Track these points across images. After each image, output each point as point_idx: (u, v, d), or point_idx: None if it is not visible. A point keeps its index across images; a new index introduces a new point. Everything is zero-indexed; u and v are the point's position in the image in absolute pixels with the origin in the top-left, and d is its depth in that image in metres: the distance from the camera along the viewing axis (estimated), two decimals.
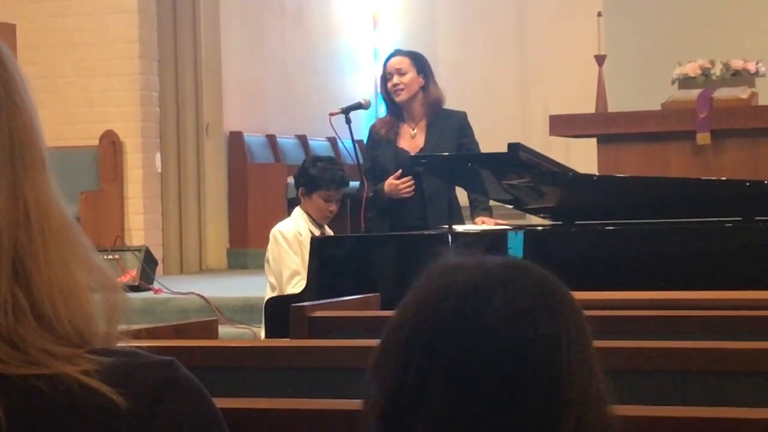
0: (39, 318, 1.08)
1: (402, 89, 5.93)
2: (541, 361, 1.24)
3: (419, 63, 6.00)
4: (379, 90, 13.08)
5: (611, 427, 1.29)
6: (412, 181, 5.85)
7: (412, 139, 5.97)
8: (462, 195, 5.99)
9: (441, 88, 6.04)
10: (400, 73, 5.95)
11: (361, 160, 6.10)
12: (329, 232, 5.99)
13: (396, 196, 5.87)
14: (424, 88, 5.96)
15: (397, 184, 5.87)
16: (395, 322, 1.31)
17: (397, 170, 5.89)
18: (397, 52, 6.12)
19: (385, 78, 6.03)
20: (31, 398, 1.05)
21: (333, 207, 5.89)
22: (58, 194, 1.15)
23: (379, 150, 6.00)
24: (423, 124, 5.97)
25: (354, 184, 6.53)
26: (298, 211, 5.95)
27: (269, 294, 5.74)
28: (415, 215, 5.86)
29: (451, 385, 1.23)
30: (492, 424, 1.23)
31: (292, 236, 5.78)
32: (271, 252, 5.83)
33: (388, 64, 6.02)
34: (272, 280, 5.83)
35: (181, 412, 1.11)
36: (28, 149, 1.13)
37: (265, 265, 5.90)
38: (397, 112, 6.01)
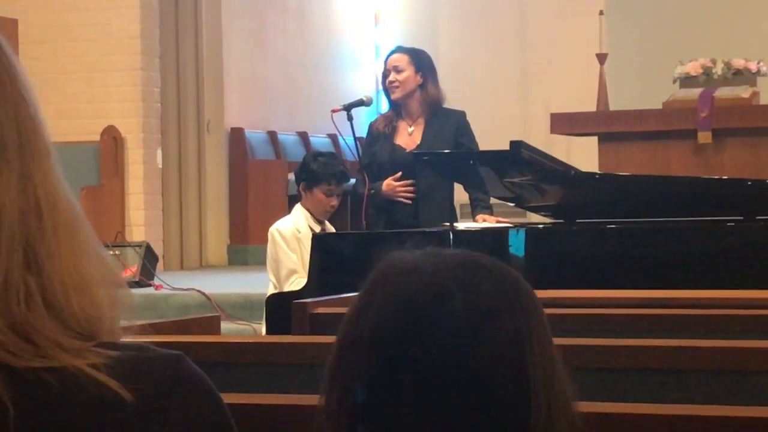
0: (50, 307, 1.08)
1: (397, 86, 5.94)
2: (508, 360, 1.23)
3: (418, 61, 5.99)
4: (380, 87, 13.14)
5: (576, 423, 1.29)
6: (411, 187, 5.85)
7: (409, 136, 5.97)
8: (461, 193, 5.98)
9: (442, 88, 6.04)
10: (397, 70, 5.96)
11: (362, 162, 6.10)
12: (330, 228, 5.99)
13: (392, 198, 5.87)
14: (422, 87, 5.95)
15: (394, 186, 5.87)
16: (351, 331, 1.28)
17: (393, 166, 5.89)
18: (398, 49, 6.13)
19: (383, 74, 6.05)
20: (39, 391, 1.05)
21: (334, 202, 5.89)
22: (65, 185, 1.15)
23: (377, 146, 6.01)
24: (421, 121, 5.97)
25: (352, 180, 6.53)
26: (298, 208, 5.95)
27: (271, 292, 5.74)
28: (409, 213, 5.87)
29: (421, 395, 1.22)
30: (466, 419, 1.22)
31: (290, 234, 5.78)
32: (269, 250, 5.84)
33: (388, 60, 6.04)
34: (273, 278, 5.84)
35: (189, 407, 1.11)
36: (35, 139, 1.13)
37: (267, 263, 5.91)
38: (396, 108, 6.03)
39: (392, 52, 6.11)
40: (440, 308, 1.23)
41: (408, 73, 5.93)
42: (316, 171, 5.85)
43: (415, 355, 1.22)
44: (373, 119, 6.34)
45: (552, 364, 1.27)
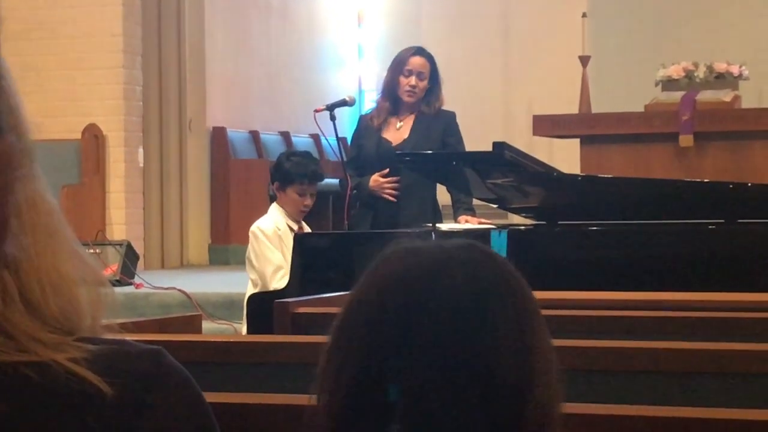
0: (27, 303, 1.07)
1: (416, 93, 5.89)
2: (509, 339, 1.27)
3: (435, 69, 5.96)
4: (362, 86, 13.14)
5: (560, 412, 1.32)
6: (397, 183, 5.86)
7: (397, 131, 5.96)
8: (443, 193, 5.99)
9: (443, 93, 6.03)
10: (422, 77, 5.89)
11: (345, 157, 6.10)
12: (306, 227, 5.99)
13: (378, 194, 5.88)
14: (429, 91, 5.93)
15: (381, 182, 5.87)
16: (351, 312, 1.32)
17: (379, 160, 5.89)
18: (422, 53, 5.97)
19: (399, 70, 5.91)
20: (20, 386, 1.05)
21: (307, 201, 5.88)
22: (45, 184, 1.14)
23: (364, 139, 6.00)
24: (411, 117, 5.96)
25: (335, 180, 6.53)
26: (275, 207, 5.95)
27: (250, 291, 5.73)
28: (392, 209, 5.87)
29: (426, 365, 1.25)
30: (467, 398, 1.25)
31: (272, 232, 5.78)
32: (252, 250, 5.82)
33: (412, 61, 5.91)
34: (254, 276, 5.83)
35: (169, 401, 1.11)
36: (17, 137, 1.12)
37: (246, 263, 5.90)
38: (394, 103, 5.96)
39: (416, 54, 5.96)
40: (439, 283, 1.28)
41: (426, 81, 5.91)
42: (288, 170, 5.85)
43: (416, 329, 1.26)
44: (364, 112, 6.30)
45: (552, 357, 1.31)
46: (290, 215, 5.86)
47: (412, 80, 5.89)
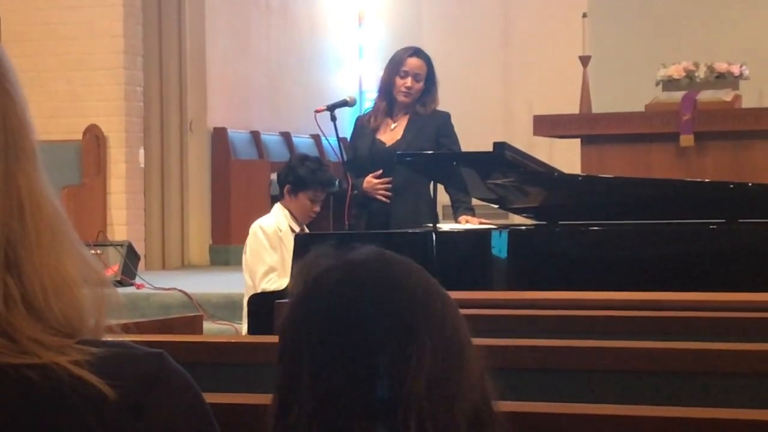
0: (29, 307, 1.07)
1: (412, 94, 5.87)
2: (392, 337, 1.34)
3: (431, 71, 5.94)
4: (363, 86, 13.14)
5: (495, 421, 1.37)
6: (390, 184, 5.86)
7: (391, 131, 5.96)
8: (442, 194, 5.97)
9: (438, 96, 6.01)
10: (418, 78, 5.87)
11: (345, 158, 6.10)
12: (305, 229, 6.00)
13: (371, 195, 5.87)
14: (423, 92, 5.91)
15: (374, 183, 5.87)
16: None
17: (372, 160, 5.88)
18: (419, 54, 5.94)
19: (395, 70, 5.89)
20: (21, 388, 1.05)
21: (317, 208, 5.93)
22: (49, 186, 1.15)
23: (359, 140, 6.00)
24: (405, 118, 5.95)
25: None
26: (278, 207, 5.95)
27: (249, 291, 5.74)
28: (383, 210, 5.87)
29: (318, 359, 1.35)
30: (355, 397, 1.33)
31: (272, 232, 5.79)
32: (249, 246, 5.83)
33: (409, 62, 5.88)
34: (248, 275, 5.84)
35: (171, 404, 1.12)
36: (21, 139, 1.12)
37: (243, 259, 5.90)
38: (390, 103, 5.95)
39: (414, 55, 5.93)
40: (317, 282, 1.38)
41: (422, 83, 5.89)
42: (303, 176, 5.85)
43: (315, 330, 1.36)
44: (361, 113, 6.29)
45: (454, 355, 1.35)
46: (296, 218, 5.87)
47: (408, 81, 5.87)
